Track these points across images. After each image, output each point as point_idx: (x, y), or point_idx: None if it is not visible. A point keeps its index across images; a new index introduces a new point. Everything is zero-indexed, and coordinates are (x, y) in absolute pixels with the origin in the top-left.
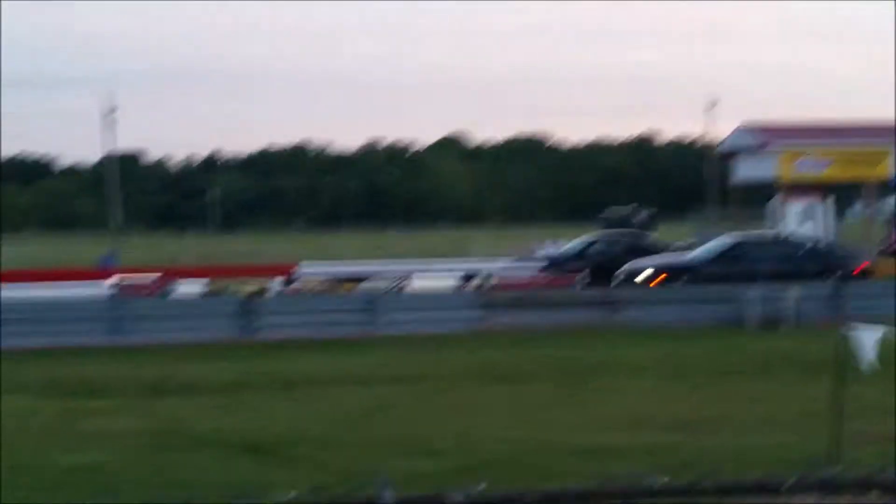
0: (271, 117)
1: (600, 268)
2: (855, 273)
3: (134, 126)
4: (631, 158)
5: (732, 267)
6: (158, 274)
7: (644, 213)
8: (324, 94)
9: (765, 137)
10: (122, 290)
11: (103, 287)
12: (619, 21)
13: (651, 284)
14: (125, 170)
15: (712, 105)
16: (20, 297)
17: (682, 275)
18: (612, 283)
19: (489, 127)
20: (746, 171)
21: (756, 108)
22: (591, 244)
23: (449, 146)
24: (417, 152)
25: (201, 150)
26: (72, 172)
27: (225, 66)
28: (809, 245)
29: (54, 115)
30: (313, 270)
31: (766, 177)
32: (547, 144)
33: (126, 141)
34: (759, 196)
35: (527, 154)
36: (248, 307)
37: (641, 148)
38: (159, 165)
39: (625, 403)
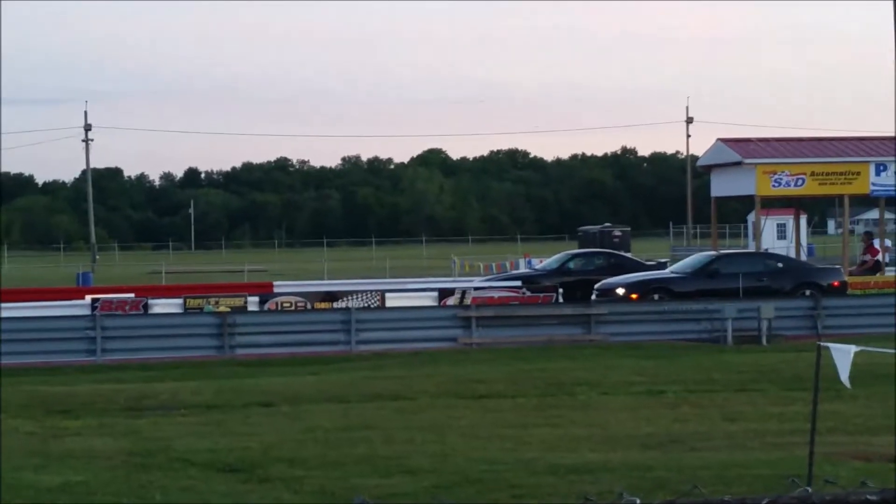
0: (252, 133)
1: (577, 285)
2: (832, 288)
3: (115, 143)
4: (611, 173)
5: (709, 283)
6: (136, 292)
7: (618, 231)
8: (304, 110)
9: (742, 153)
10: (101, 308)
11: (82, 305)
12: (599, 35)
13: (632, 299)
14: (105, 186)
15: (690, 120)
16: None
17: (659, 291)
18: (589, 300)
19: (469, 143)
20: (724, 186)
21: (735, 122)
22: (568, 261)
23: (429, 161)
24: (398, 167)
25: (181, 167)
26: (50, 189)
27: (204, 84)
28: (786, 261)
29: (34, 134)
30: (289, 290)
31: (744, 192)
32: (527, 159)
33: (106, 158)
34: (738, 211)
35: (507, 169)
36: (226, 325)
37: (621, 162)
38: (139, 182)
39: (603, 420)
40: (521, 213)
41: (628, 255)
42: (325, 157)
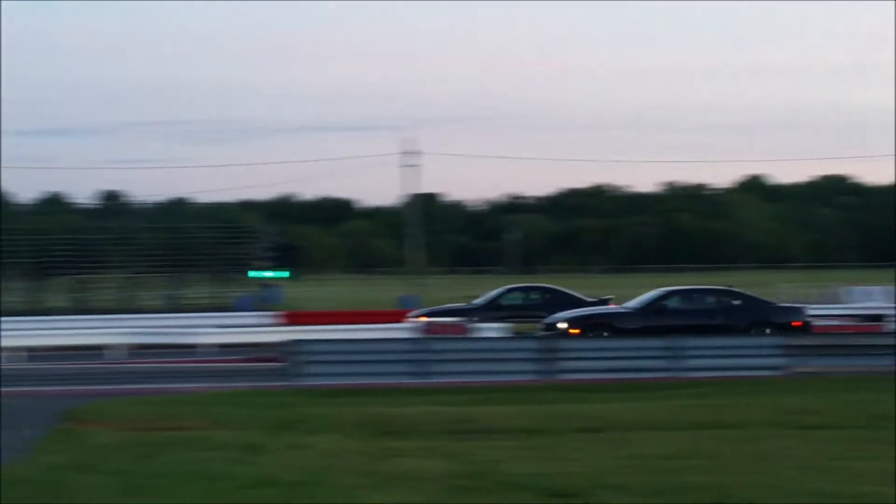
0: (571, 159)
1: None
2: (792, 328)
3: (432, 168)
4: None
5: (656, 320)
6: (462, 316)
7: None
8: (622, 136)
9: None
10: (427, 331)
11: (407, 327)
12: None
13: (571, 334)
14: (423, 211)
15: None
16: (327, 338)
17: (600, 327)
18: (534, 334)
19: (790, 168)
20: None
21: None
22: (500, 296)
23: (749, 187)
24: (717, 192)
25: (500, 192)
26: (372, 214)
27: (524, 110)
28: (744, 298)
29: (356, 160)
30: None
31: None
32: (850, 185)
33: (424, 182)
34: None
35: (829, 195)
36: (549, 350)
37: None
38: (458, 206)
39: None
40: (846, 240)
41: (567, 290)
42: (644, 182)
